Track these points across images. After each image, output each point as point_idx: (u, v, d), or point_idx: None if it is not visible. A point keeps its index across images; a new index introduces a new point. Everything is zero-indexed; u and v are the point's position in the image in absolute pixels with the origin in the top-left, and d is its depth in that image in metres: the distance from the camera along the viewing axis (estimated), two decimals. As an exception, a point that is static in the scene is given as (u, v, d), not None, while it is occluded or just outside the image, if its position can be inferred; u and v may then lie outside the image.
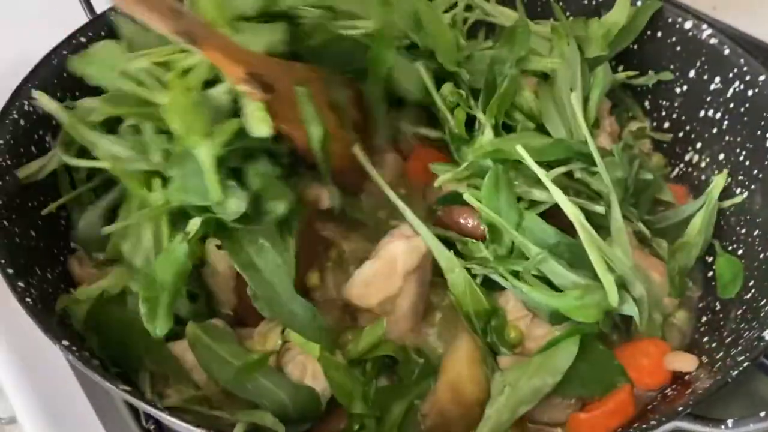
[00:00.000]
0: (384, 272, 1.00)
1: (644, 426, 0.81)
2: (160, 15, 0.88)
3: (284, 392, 0.91)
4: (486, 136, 1.07)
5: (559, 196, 0.98)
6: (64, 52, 1.15)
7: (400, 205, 1.04)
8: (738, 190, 1.14)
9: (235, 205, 0.91)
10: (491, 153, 1.03)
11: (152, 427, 1.01)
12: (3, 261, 0.92)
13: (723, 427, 0.79)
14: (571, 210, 0.97)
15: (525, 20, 1.17)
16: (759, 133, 1.12)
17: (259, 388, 0.91)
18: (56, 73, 1.14)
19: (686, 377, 0.96)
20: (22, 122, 1.07)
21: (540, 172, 0.99)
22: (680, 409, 0.82)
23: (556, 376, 0.91)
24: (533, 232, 0.98)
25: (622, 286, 0.96)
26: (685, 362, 0.97)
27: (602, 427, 0.93)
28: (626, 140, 1.22)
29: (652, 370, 0.98)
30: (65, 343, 0.86)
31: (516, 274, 0.98)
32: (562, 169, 1.04)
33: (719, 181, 1.14)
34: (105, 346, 0.94)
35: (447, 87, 1.12)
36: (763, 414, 0.76)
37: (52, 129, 1.11)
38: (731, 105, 1.17)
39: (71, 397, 1.08)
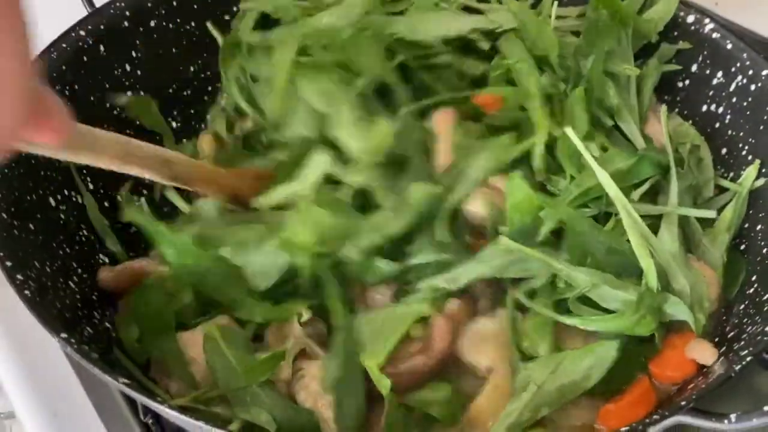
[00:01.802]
0: (502, 332, 0.98)
1: (647, 420, 0.81)
2: (151, 169, 1.00)
3: (279, 412, 0.88)
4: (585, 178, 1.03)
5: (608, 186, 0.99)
6: (63, 46, 1.15)
7: None
8: (740, 185, 1.13)
9: None
10: (590, 190, 1.02)
11: (150, 421, 1.00)
12: (1, 254, 0.92)
13: (726, 421, 0.78)
14: (615, 193, 0.98)
15: (604, 13, 1.17)
16: (762, 128, 1.11)
17: (258, 403, 0.89)
18: (55, 67, 1.13)
19: (704, 369, 0.95)
20: (20, 115, 1.06)
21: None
22: (683, 403, 0.82)
23: (589, 381, 0.89)
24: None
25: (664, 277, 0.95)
26: (704, 353, 0.95)
27: (630, 416, 0.91)
28: (693, 140, 1.19)
29: (677, 362, 0.96)
30: (64, 335, 0.85)
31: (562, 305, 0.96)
32: (645, 188, 1.04)
33: (751, 172, 1.11)
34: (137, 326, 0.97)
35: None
36: (766, 408, 0.76)
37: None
38: (734, 100, 1.16)
39: (69, 391, 1.08)
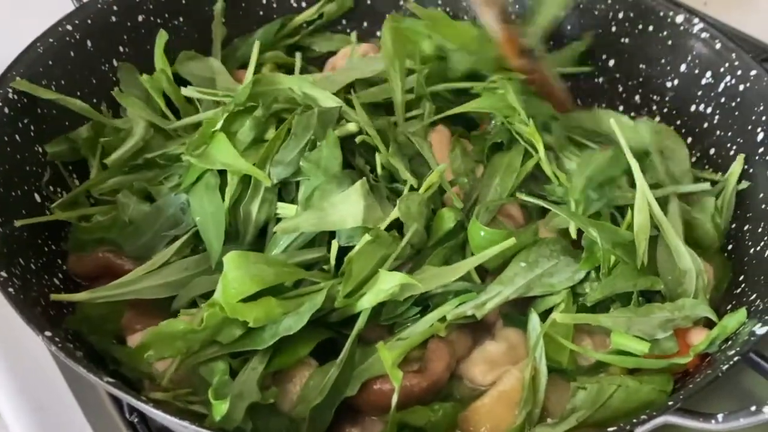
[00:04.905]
0: (508, 353, 0.98)
1: (635, 420, 0.81)
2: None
3: (257, 414, 0.87)
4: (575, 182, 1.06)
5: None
6: (50, 40, 1.14)
7: None
8: (728, 186, 1.13)
9: None
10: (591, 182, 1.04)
11: (136, 419, 0.99)
12: (-15, 251, 0.91)
13: (713, 421, 0.78)
14: (638, 175, 1.02)
15: None
16: (750, 128, 1.12)
17: None
18: (42, 61, 1.12)
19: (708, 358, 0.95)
20: (6, 110, 1.05)
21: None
22: (671, 403, 0.82)
23: (625, 417, 0.88)
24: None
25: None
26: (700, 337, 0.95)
27: None
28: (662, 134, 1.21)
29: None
30: (48, 333, 0.84)
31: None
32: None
33: (736, 167, 1.12)
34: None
35: None
36: (753, 408, 0.76)
37: (35, 117, 1.09)
38: (722, 100, 1.17)
39: (55, 389, 1.07)
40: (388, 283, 0.90)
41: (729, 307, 1.02)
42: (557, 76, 1.22)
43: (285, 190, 1.02)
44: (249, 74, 1.10)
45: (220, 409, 0.81)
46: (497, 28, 1.12)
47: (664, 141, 1.18)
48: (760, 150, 1.10)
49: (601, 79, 1.34)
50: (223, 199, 1.00)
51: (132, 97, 1.15)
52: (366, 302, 0.91)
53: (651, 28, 1.25)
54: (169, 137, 1.13)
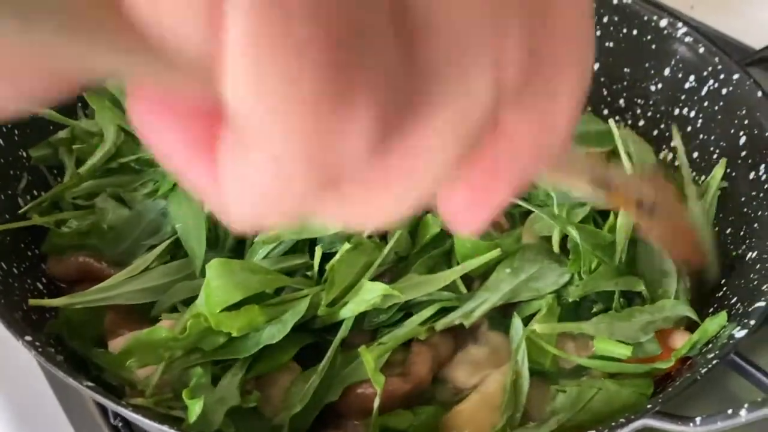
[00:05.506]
0: (491, 357, 0.98)
1: (613, 424, 0.81)
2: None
3: (239, 417, 0.87)
4: None
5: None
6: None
7: None
8: (711, 189, 1.13)
9: None
10: None
11: (120, 424, 0.99)
12: (-34, 255, 0.91)
13: (691, 424, 0.79)
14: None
15: None
16: (732, 131, 1.12)
17: None
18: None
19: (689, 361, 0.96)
20: (-11, 114, 1.05)
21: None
22: (649, 406, 0.82)
23: (607, 421, 0.88)
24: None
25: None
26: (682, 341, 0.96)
27: None
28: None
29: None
30: (28, 338, 0.84)
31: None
32: None
33: (718, 171, 1.12)
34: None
35: None
36: (730, 411, 0.76)
37: (19, 121, 1.09)
38: (705, 103, 1.17)
39: (39, 394, 1.07)
40: (370, 294, 0.90)
41: (710, 310, 1.02)
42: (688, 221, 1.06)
43: None
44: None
45: (194, 409, 0.81)
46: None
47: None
48: (743, 153, 1.10)
49: (586, 83, 1.34)
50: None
51: (102, 98, 1.14)
52: (348, 311, 0.92)
53: (635, 32, 1.25)
54: (139, 142, 1.13)
